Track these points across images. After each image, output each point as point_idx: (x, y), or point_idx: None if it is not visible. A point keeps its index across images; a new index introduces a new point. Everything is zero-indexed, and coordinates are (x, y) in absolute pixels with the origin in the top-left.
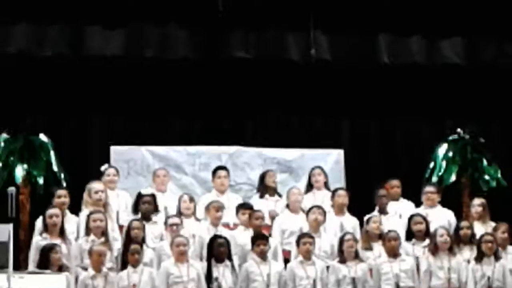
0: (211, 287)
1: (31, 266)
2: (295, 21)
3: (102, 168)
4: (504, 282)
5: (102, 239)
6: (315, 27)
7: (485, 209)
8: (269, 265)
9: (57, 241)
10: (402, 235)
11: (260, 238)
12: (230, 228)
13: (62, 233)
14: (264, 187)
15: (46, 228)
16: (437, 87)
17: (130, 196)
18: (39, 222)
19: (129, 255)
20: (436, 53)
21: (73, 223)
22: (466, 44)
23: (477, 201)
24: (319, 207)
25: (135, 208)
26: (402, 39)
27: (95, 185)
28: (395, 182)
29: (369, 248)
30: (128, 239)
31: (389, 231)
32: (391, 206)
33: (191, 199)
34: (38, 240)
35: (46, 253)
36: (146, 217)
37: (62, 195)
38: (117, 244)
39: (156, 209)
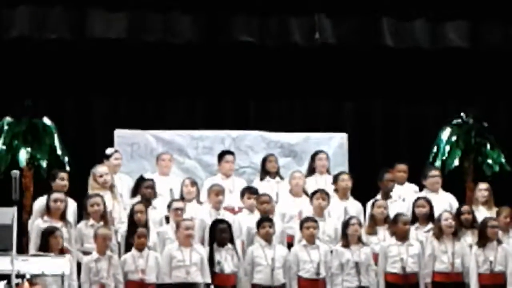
0: (214, 271)
1: (32, 249)
2: (299, 5)
3: (108, 151)
4: (506, 266)
5: (101, 223)
6: (319, 10)
7: (490, 194)
8: (274, 248)
9: (58, 224)
10: None
11: (265, 221)
12: (235, 212)
13: (63, 217)
14: (266, 172)
15: (48, 211)
16: (441, 70)
17: (132, 180)
18: (36, 205)
19: (136, 238)
20: (440, 36)
21: (70, 207)
22: (470, 28)
23: (482, 185)
24: (323, 191)
25: (135, 191)
26: (406, 22)
27: (99, 169)
28: (402, 166)
29: (373, 232)
30: (132, 223)
31: (401, 214)
32: (396, 190)
33: (193, 183)
34: (40, 223)
35: (46, 236)
36: (147, 202)
37: (65, 178)
38: (124, 227)
39: (155, 195)
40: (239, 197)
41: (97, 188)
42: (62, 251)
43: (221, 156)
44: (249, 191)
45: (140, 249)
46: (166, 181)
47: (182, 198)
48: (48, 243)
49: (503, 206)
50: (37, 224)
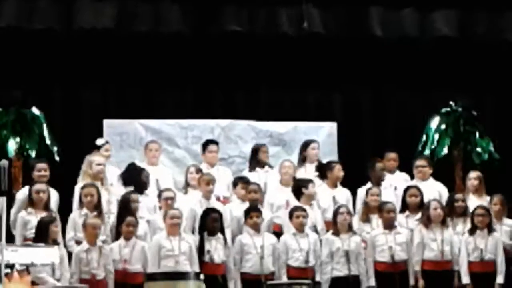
0: (203, 260)
1: (18, 240)
2: None
3: (99, 142)
4: (496, 254)
5: (95, 213)
6: (307, 0)
7: (481, 183)
8: (263, 237)
9: (43, 214)
10: (397, 207)
11: (253, 211)
12: (221, 201)
13: (47, 208)
14: (256, 162)
15: (31, 202)
16: (430, 59)
17: (119, 170)
18: (20, 195)
19: (124, 227)
20: (428, 25)
21: (52, 197)
22: (458, 17)
23: (473, 174)
24: (311, 180)
25: (128, 180)
26: (395, 11)
27: (97, 158)
28: (392, 155)
29: (367, 220)
30: (125, 212)
31: (386, 202)
32: (387, 178)
33: (198, 171)
34: (24, 215)
35: (46, 225)
36: (140, 190)
37: (42, 169)
38: (113, 217)
39: (148, 184)
40: (231, 186)
41: (90, 176)
42: (56, 242)
43: (205, 145)
44: (242, 180)
45: (128, 238)
46: (153, 171)
47: (187, 185)
48: (48, 231)
49: (496, 194)
50: (21, 216)
